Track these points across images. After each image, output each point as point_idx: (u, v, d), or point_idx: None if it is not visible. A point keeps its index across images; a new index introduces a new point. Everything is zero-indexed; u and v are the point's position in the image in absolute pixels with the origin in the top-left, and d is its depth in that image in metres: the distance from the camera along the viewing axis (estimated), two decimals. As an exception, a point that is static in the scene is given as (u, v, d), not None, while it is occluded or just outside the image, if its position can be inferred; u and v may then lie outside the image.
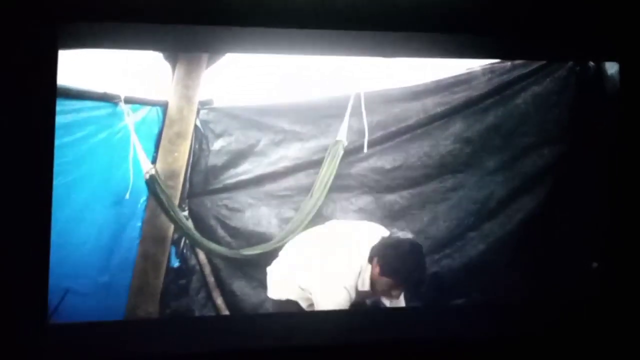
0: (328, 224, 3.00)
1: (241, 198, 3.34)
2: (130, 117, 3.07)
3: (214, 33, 2.34)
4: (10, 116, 1.99)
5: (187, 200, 3.30)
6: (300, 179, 3.32)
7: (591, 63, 3.19)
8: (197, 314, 3.25)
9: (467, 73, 3.31)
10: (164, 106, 3.25)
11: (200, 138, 3.36)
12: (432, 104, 3.35)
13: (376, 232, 2.71)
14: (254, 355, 2.17)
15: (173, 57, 3.19)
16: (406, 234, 2.78)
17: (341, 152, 3.24)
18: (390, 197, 3.32)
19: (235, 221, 3.33)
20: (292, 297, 2.67)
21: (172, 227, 3.17)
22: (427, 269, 2.82)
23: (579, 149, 3.20)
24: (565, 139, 3.22)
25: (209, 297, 3.29)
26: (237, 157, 3.37)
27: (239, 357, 2.19)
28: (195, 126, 3.32)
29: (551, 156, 3.23)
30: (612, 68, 3.04)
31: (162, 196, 3.05)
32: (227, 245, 3.28)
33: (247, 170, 3.36)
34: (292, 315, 2.63)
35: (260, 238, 3.25)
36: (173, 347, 2.21)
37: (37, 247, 2.06)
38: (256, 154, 3.37)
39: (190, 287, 3.28)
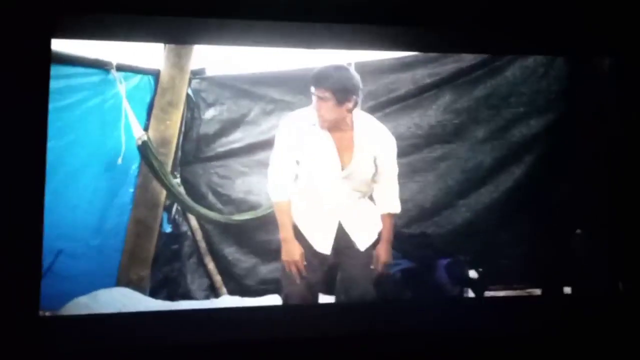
0: None
1: (233, 166, 3.39)
2: (123, 85, 3.10)
3: (201, 25, 2.40)
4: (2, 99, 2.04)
5: (179, 168, 3.33)
6: (291, 147, 3.36)
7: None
8: (188, 278, 3.29)
9: (457, 45, 3.36)
10: (156, 75, 3.27)
11: (192, 107, 3.38)
12: (422, 75, 3.41)
13: None
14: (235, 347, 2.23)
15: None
16: None
17: (332, 122, 3.27)
18: (380, 166, 3.37)
19: (227, 189, 3.37)
20: None
21: (164, 193, 3.21)
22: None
23: (565, 119, 3.26)
24: (552, 109, 3.28)
25: (201, 262, 3.34)
26: (229, 126, 3.41)
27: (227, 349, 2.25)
28: (187, 95, 3.35)
29: (538, 126, 3.31)
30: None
31: (155, 162, 3.08)
32: (219, 212, 3.32)
33: (238, 138, 3.40)
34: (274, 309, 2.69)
35: (250, 206, 3.29)
36: (166, 338, 2.26)
37: (29, 242, 2.15)
38: (247, 123, 3.41)
39: (182, 252, 3.32)
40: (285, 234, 2.60)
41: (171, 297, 3.20)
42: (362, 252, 2.67)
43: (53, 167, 2.86)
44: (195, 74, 3.38)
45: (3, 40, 2.13)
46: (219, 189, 3.38)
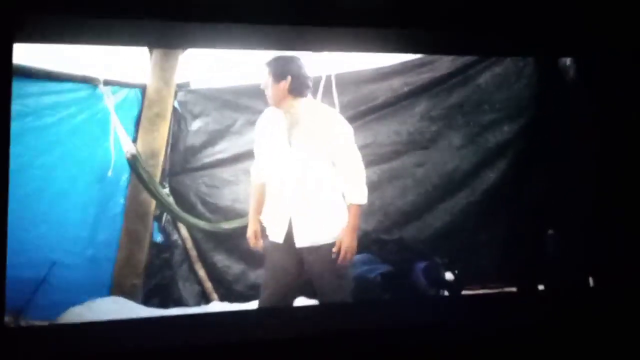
0: None
1: (219, 175, 3.49)
2: (110, 99, 3.18)
3: (178, 29, 2.38)
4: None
5: (167, 178, 3.42)
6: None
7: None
8: (180, 285, 3.37)
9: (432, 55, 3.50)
10: (143, 88, 3.36)
11: (178, 119, 3.48)
12: (399, 84, 3.54)
13: None
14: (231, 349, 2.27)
15: (151, 40, 3.28)
16: None
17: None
18: (362, 173, 3.49)
19: (214, 197, 3.48)
20: None
21: (154, 203, 3.29)
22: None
23: (536, 125, 3.42)
24: (524, 115, 3.43)
25: (191, 269, 3.43)
26: (215, 137, 3.51)
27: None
28: (174, 107, 3.44)
29: (511, 132, 3.45)
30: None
31: (144, 174, 3.16)
32: (207, 220, 3.42)
33: (224, 149, 3.51)
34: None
35: (238, 213, 3.38)
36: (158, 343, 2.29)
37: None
38: (233, 133, 3.52)
39: (173, 261, 3.40)
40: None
41: (164, 305, 3.27)
42: (324, 248, 2.62)
43: (45, 181, 2.96)
44: (181, 86, 3.48)
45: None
46: (207, 198, 3.48)
